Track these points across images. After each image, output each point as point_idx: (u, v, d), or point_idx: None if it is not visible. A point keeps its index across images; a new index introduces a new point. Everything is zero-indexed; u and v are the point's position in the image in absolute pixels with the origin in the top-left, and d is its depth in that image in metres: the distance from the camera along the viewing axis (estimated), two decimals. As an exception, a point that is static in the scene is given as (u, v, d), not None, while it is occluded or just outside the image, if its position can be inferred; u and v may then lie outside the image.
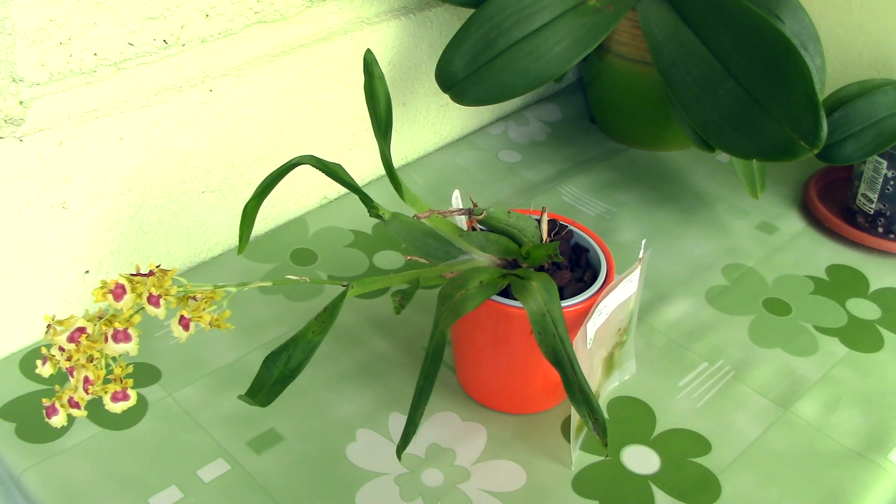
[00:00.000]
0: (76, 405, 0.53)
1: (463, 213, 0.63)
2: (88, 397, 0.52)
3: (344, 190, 0.89)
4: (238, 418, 0.67)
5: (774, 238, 0.87)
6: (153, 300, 0.51)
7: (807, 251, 0.85)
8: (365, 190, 0.63)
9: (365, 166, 0.91)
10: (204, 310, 0.53)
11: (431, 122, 0.96)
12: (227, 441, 0.65)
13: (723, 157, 0.98)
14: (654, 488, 0.63)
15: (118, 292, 0.51)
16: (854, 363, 0.73)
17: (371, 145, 0.90)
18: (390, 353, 0.73)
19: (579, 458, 0.65)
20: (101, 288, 0.51)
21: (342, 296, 0.56)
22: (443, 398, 0.69)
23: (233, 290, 0.54)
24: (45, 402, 0.53)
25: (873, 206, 0.85)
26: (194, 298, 0.53)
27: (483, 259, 0.63)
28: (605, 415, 0.68)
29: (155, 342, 0.72)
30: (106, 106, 0.69)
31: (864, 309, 0.79)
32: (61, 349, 0.51)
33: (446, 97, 0.79)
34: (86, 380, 0.52)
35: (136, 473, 0.62)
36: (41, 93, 0.65)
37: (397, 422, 0.67)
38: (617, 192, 0.93)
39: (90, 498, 0.61)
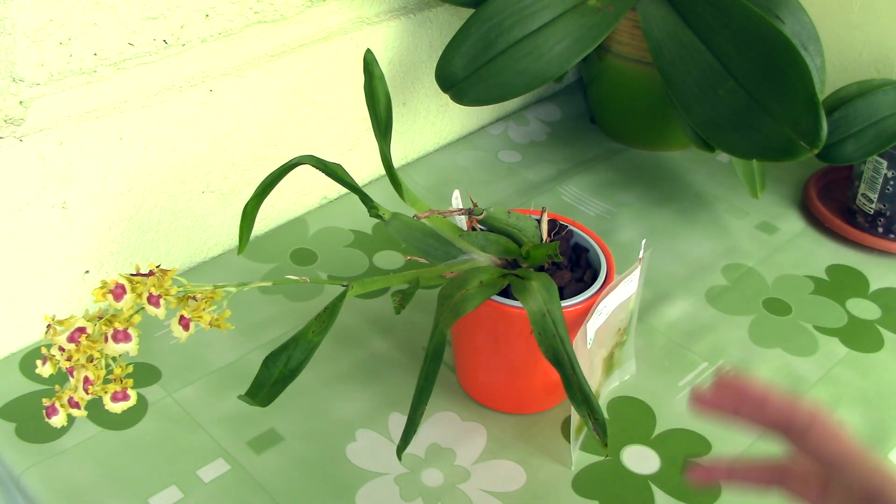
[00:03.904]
0: (76, 405, 0.53)
1: (463, 213, 0.63)
2: (88, 397, 0.52)
3: (344, 190, 0.89)
4: (238, 418, 0.67)
5: (774, 238, 0.87)
6: (153, 300, 0.51)
7: (807, 251, 0.85)
8: (365, 190, 0.63)
9: (365, 166, 0.91)
10: (204, 310, 0.53)
11: (431, 122, 0.96)
12: (227, 441, 0.65)
13: (723, 157, 0.98)
14: (654, 488, 0.63)
15: (118, 292, 0.51)
16: (854, 363, 0.73)
17: (371, 145, 0.90)
18: (390, 353, 0.73)
19: (579, 458, 0.65)
20: (101, 288, 0.51)
21: (342, 296, 0.56)
22: (443, 398, 0.69)
23: (233, 290, 0.54)
24: (45, 402, 0.53)
25: (873, 206, 0.85)
26: (194, 298, 0.53)
27: (483, 259, 0.63)
28: (605, 415, 0.68)
29: (155, 342, 0.72)
30: (106, 106, 0.69)
31: (864, 309, 0.79)
32: (61, 349, 0.51)
33: (446, 97, 0.79)
34: (86, 380, 0.52)
35: (136, 473, 0.62)
36: (41, 93, 0.65)
37: (397, 422, 0.67)
38: (617, 192, 0.93)
39: (90, 498, 0.61)
